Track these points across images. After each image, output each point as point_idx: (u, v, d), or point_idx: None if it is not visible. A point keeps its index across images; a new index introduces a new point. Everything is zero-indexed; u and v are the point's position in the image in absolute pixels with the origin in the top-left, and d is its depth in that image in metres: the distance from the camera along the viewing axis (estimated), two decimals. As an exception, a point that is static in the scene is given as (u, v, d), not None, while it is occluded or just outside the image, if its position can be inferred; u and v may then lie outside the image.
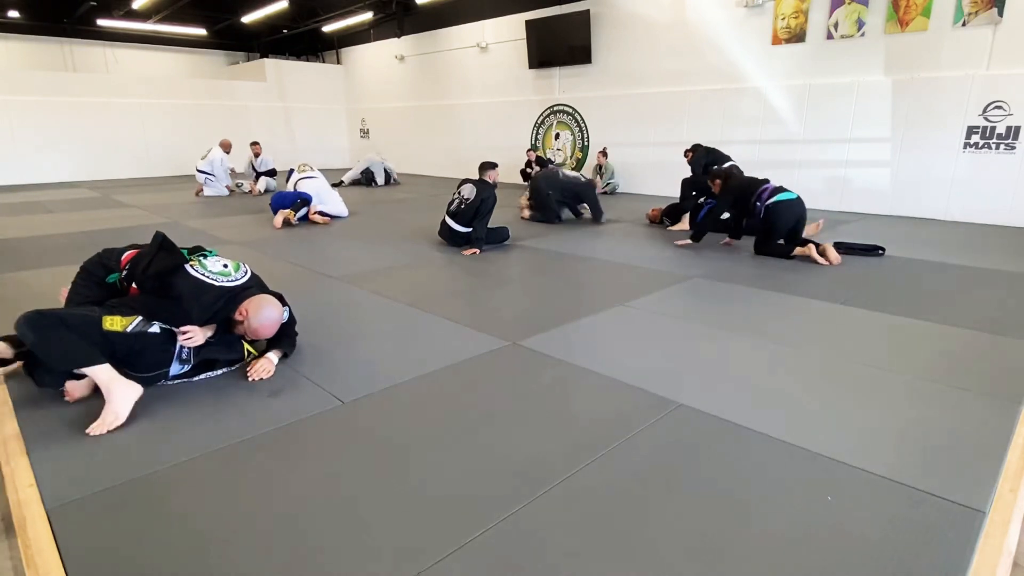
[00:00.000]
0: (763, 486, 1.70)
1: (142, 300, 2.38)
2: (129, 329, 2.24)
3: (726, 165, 5.96)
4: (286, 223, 6.33)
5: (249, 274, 2.65)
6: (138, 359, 2.23)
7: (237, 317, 2.47)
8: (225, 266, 2.58)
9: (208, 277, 2.47)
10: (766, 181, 4.81)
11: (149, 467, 1.80)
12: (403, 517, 1.56)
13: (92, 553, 1.44)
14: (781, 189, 4.74)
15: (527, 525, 1.53)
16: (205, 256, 2.61)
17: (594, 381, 2.43)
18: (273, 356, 2.54)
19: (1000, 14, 5.81)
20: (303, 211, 6.53)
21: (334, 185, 8.41)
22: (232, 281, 2.53)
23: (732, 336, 2.96)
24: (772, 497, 1.64)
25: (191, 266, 2.49)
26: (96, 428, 1.99)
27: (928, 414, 2.14)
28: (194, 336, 2.35)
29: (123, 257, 2.58)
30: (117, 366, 2.14)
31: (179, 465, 1.81)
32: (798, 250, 4.57)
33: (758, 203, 4.72)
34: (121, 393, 2.07)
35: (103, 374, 2.08)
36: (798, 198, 4.69)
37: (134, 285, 2.49)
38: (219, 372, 2.48)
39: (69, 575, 1.37)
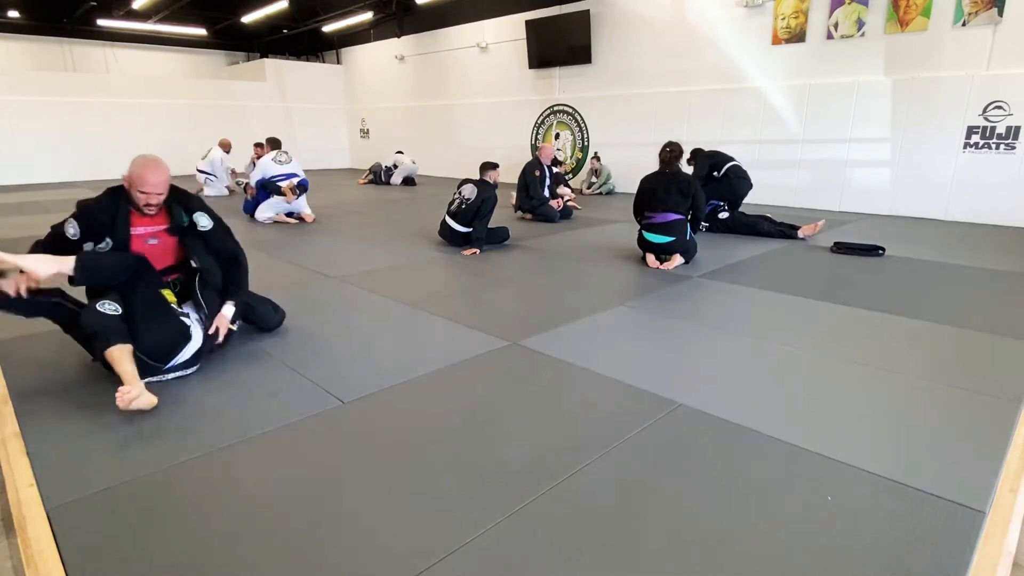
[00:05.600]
0: (763, 486, 1.70)
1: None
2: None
3: (728, 165, 5.92)
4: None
5: None
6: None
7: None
8: None
9: None
10: (660, 212, 4.44)
11: (149, 467, 1.80)
12: (403, 517, 1.56)
13: (92, 553, 1.44)
14: (653, 227, 4.46)
15: (527, 525, 1.53)
16: None
17: (594, 381, 2.43)
18: (227, 310, 2.60)
19: (1000, 14, 5.81)
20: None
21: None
22: None
23: (732, 336, 2.96)
24: (772, 497, 1.64)
25: None
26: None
27: (928, 414, 2.14)
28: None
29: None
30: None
31: (179, 465, 1.81)
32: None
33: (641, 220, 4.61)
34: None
35: None
36: (661, 243, 4.44)
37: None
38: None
39: (69, 575, 1.37)
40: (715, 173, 5.83)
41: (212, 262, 2.67)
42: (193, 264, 2.63)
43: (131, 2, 10.92)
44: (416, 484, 1.71)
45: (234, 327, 2.67)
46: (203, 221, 2.64)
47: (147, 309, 2.33)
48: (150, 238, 2.57)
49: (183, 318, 2.45)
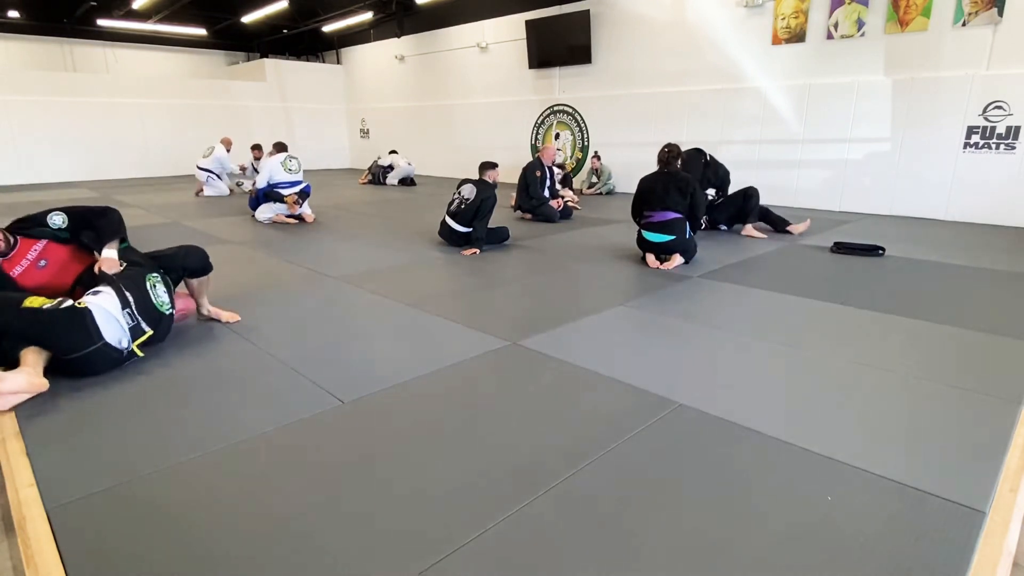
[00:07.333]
0: (763, 486, 1.70)
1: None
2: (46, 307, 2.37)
3: (700, 158, 5.84)
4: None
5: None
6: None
7: None
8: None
9: None
10: (659, 210, 4.44)
11: (149, 467, 1.80)
12: (403, 517, 1.57)
13: (92, 553, 1.44)
14: (652, 226, 4.46)
15: (527, 525, 1.53)
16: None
17: (594, 381, 2.43)
18: (106, 252, 2.73)
19: (1000, 14, 5.80)
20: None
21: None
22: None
23: (732, 336, 2.96)
24: (772, 497, 1.64)
25: None
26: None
27: (928, 414, 2.14)
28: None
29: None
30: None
31: (179, 465, 1.81)
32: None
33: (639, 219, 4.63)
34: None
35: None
36: (661, 242, 4.44)
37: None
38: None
39: (69, 575, 1.37)
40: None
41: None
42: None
43: (131, 2, 10.92)
44: (416, 484, 1.71)
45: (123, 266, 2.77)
46: (57, 220, 2.78)
47: (27, 327, 2.31)
48: (37, 264, 2.68)
49: (64, 304, 2.39)
